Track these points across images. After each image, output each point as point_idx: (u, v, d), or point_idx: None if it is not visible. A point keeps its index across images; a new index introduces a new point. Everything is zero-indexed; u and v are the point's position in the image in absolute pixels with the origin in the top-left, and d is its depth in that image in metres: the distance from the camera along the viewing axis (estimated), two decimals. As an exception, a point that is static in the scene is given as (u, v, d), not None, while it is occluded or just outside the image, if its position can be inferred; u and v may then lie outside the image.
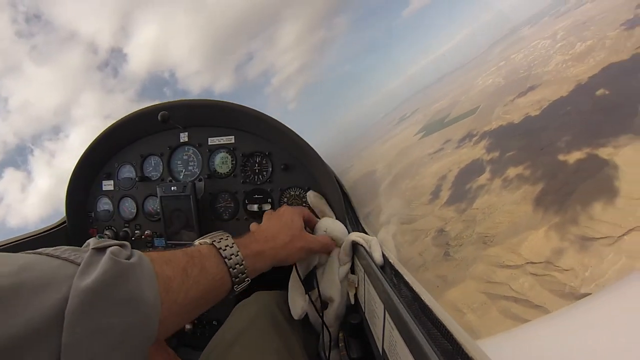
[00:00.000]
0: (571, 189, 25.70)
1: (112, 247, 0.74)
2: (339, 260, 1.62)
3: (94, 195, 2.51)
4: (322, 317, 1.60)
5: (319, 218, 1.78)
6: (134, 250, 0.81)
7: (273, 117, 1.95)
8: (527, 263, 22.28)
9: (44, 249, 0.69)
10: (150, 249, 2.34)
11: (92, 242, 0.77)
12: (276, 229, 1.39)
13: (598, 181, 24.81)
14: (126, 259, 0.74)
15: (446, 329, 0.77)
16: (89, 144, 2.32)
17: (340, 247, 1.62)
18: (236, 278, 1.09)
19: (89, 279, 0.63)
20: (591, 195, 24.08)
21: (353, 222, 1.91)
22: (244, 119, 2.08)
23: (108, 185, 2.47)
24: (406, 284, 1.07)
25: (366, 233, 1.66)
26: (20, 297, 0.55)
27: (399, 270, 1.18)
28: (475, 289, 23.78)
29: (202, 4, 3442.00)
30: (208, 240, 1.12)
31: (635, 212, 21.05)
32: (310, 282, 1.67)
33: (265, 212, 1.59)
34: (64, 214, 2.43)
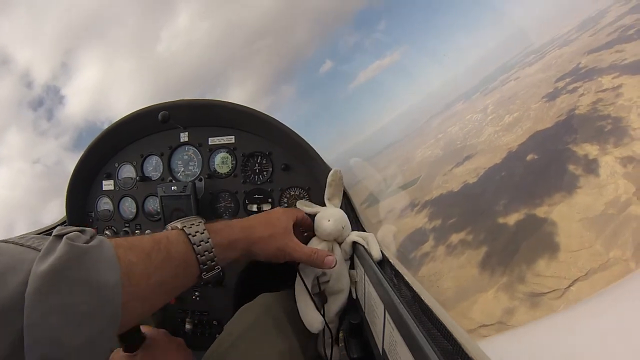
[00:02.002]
0: (514, 249, 26.53)
1: (71, 233, 0.76)
2: (343, 254, 1.60)
3: (94, 195, 2.52)
4: (323, 315, 1.58)
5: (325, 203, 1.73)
6: (99, 236, 0.82)
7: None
8: (480, 326, 22.31)
9: (13, 237, 0.75)
10: None
11: (57, 229, 0.78)
12: (257, 222, 1.34)
13: (538, 239, 25.77)
14: (85, 243, 0.75)
15: (446, 329, 0.78)
16: (89, 144, 2.34)
17: (344, 237, 1.59)
18: (204, 265, 1.06)
19: (47, 263, 0.66)
20: (534, 252, 24.86)
21: (353, 221, 1.86)
22: (245, 118, 2.09)
23: (108, 185, 2.48)
24: (406, 284, 1.08)
25: (365, 231, 1.65)
26: None
27: (399, 270, 1.18)
28: (431, 362, 23.44)
29: (149, 52, 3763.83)
30: (179, 225, 1.09)
31: (576, 263, 21.90)
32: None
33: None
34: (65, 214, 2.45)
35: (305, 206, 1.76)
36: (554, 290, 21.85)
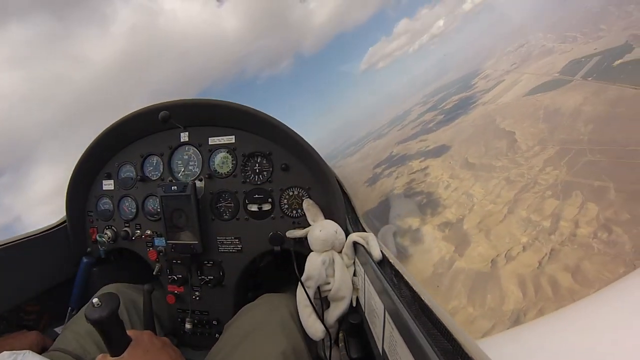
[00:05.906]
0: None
1: None
2: (345, 259, 1.64)
3: (94, 195, 2.49)
4: (322, 320, 1.60)
5: (310, 224, 1.84)
6: None
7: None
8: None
9: None
10: (150, 248, 2.34)
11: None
12: None
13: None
14: None
15: (446, 329, 0.77)
16: (89, 144, 2.30)
17: (341, 242, 1.66)
18: None
19: None
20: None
21: (353, 221, 1.94)
22: (245, 118, 2.07)
23: (108, 185, 2.45)
24: (406, 284, 1.07)
25: (365, 231, 1.66)
26: None
27: (399, 270, 1.18)
28: None
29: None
30: None
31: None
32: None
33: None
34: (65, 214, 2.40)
35: (298, 228, 1.92)
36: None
